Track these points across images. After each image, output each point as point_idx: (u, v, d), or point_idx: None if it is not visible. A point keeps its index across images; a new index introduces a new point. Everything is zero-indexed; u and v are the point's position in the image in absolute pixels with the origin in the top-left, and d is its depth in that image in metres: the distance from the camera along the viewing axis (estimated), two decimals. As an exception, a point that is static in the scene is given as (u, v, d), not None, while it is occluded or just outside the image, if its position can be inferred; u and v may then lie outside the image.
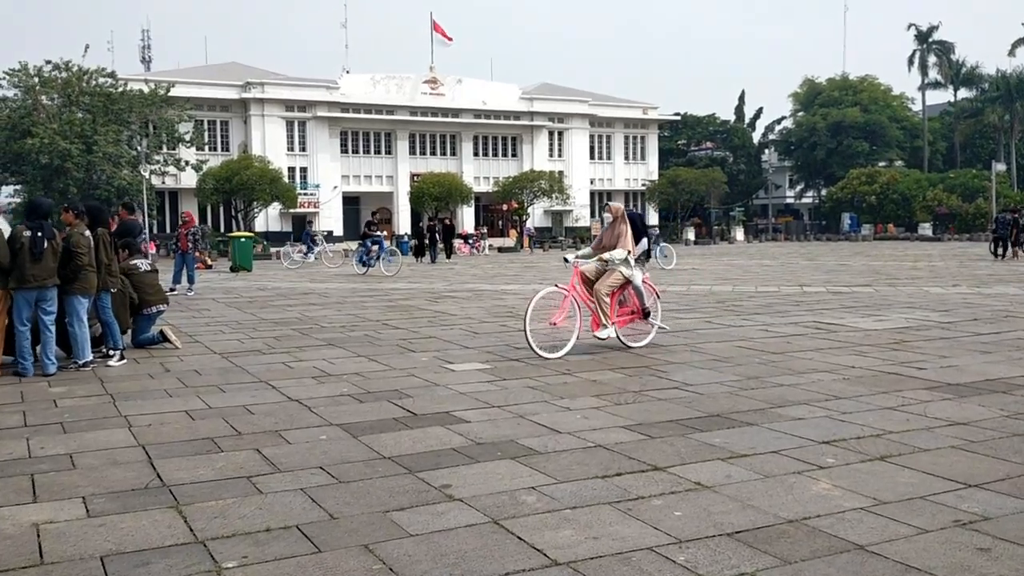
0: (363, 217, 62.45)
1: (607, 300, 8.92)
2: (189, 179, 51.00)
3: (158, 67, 67.64)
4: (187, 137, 50.73)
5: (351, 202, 60.95)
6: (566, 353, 8.42)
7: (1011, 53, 66.86)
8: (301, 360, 8.43)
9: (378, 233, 24.97)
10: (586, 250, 9.71)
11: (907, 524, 3.86)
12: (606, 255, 9.04)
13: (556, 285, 9.15)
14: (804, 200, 79.61)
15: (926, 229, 56.68)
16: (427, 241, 33.26)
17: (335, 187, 59.25)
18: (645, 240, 9.39)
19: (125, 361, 8.40)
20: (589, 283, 9.09)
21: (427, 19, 61.75)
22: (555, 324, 8.64)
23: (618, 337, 9.00)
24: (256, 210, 50.93)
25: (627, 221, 9.24)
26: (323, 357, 8.59)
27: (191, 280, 17.01)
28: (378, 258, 23.47)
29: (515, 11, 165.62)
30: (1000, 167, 57.20)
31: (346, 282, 20.37)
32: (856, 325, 10.87)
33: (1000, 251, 27.82)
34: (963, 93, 71.19)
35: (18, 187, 50.95)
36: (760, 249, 45.53)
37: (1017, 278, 18.80)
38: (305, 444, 5.29)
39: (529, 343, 8.43)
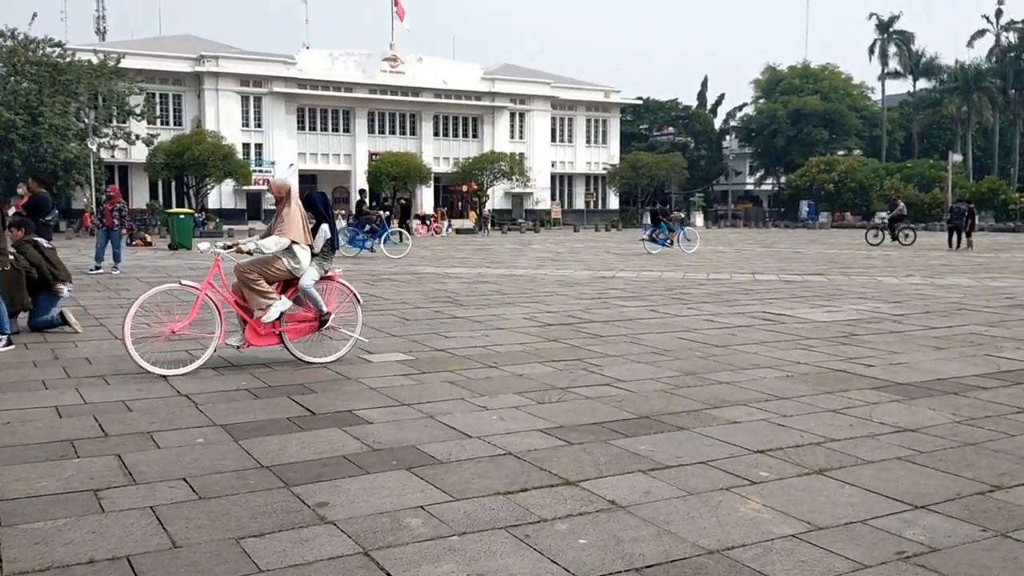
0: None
1: (260, 299, 6.96)
2: (140, 153, 49.52)
3: (113, 39, 65.63)
4: (138, 110, 49.23)
5: (308, 180, 59.70)
6: (195, 369, 6.72)
7: (970, 44, 67.59)
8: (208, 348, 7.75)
9: (382, 213, 23.35)
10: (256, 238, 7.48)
11: (844, 556, 3.34)
12: (251, 244, 7.15)
13: (181, 282, 7.23)
14: (764, 187, 79.81)
15: (882, 218, 56.95)
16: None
17: (291, 164, 57.97)
18: (326, 227, 7.47)
19: (12, 347, 7.68)
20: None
21: (387, -3, 60.46)
22: (175, 332, 6.92)
23: (288, 348, 7.15)
24: (208, 186, 49.64)
25: (298, 203, 7.28)
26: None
27: (116, 258, 16.08)
28: (382, 240, 21.93)
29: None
30: (957, 157, 57.64)
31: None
32: (805, 316, 10.44)
33: (955, 241, 27.86)
34: (922, 83, 71.76)
35: (-41, 158, 49.10)
36: (718, 235, 45.31)
37: (971, 268, 18.60)
38: (176, 449, 4.66)
39: (130, 354, 6.58)
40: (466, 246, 29.98)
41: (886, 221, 32.51)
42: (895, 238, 30.14)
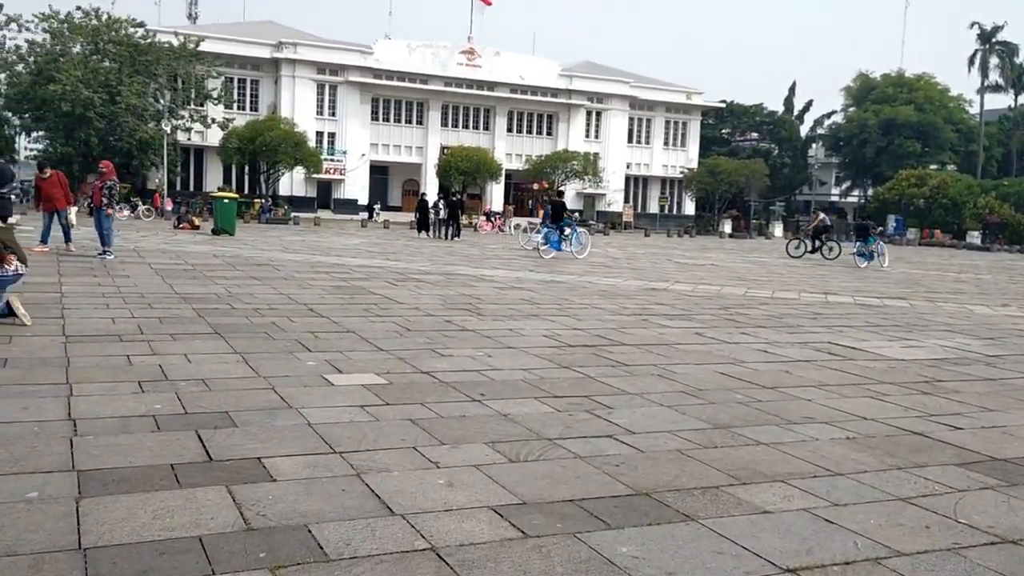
0: (391, 187, 60.97)
1: None
2: (215, 137, 49.66)
3: (204, 23, 66.19)
4: (215, 94, 49.35)
5: (379, 171, 59.31)
6: None
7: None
8: (154, 354, 6.61)
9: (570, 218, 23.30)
10: None
11: None
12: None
13: None
14: (849, 199, 76.47)
15: (975, 238, 53.61)
16: (441, 216, 31.42)
17: (363, 155, 57.60)
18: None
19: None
20: None
21: (468, -13, 59.53)
22: None
23: None
24: (279, 173, 49.43)
25: None
26: (186, 352, 6.76)
27: (105, 241, 14.45)
28: (568, 242, 21.94)
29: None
30: (1059, 177, 53.89)
31: (365, 257, 18.62)
32: (880, 352, 8.83)
33: None
34: (1025, 98, 67.61)
35: (41, 134, 49.91)
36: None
37: (1077, 301, 16.49)
38: (-13, 510, 3.46)
39: None
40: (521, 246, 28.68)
41: (808, 232, 30.59)
42: (817, 250, 28.07)
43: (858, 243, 25.51)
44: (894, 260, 30.37)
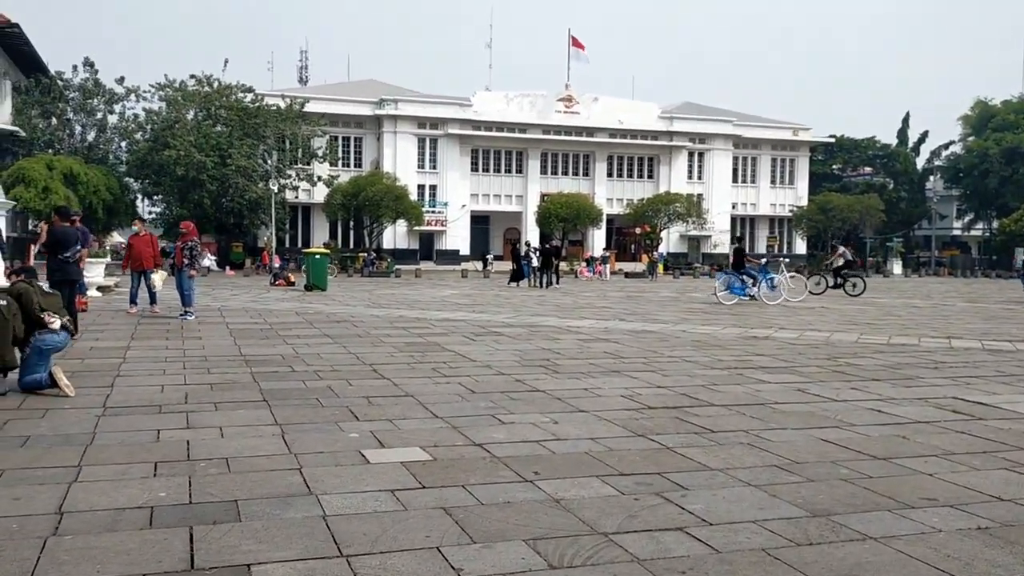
0: (492, 236, 61.00)
1: None
2: (321, 194, 50.87)
3: (314, 84, 68.55)
4: (320, 152, 50.66)
5: (479, 221, 59.53)
6: None
7: None
8: (188, 428, 6.12)
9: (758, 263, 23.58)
10: None
11: None
12: None
13: None
14: (973, 232, 72.35)
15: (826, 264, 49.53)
16: (533, 265, 30.91)
17: (463, 205, 57.98)
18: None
19: (-28, 415, 6.36)
20: None
21: (566, 36, 59.69)
22: None
23: None
24: (382, 226, 50.09)
25: None
26: (223, 424, 6.25)
27: (186, 301, 14.37)
28: (757, 288, 21.86)
29: (659, 28, 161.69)
30: None
31: (450, 309, 18.20)
32: (1015, 408, 7.61)
33: None
34: None
35: (158, 198, 52.17)
36: (916, 285, 40.63)
37: None
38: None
39: None
40: (619, 293, 27.79)
41: (829, 267, 28.85)
42: (838, 286, 26.92)
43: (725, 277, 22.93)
44: (1027, 296, 28.04)
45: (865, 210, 57.28)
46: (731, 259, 22.86)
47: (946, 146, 71.42)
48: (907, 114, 75.27)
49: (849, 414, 7.22)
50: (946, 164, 70.15)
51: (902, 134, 73.71)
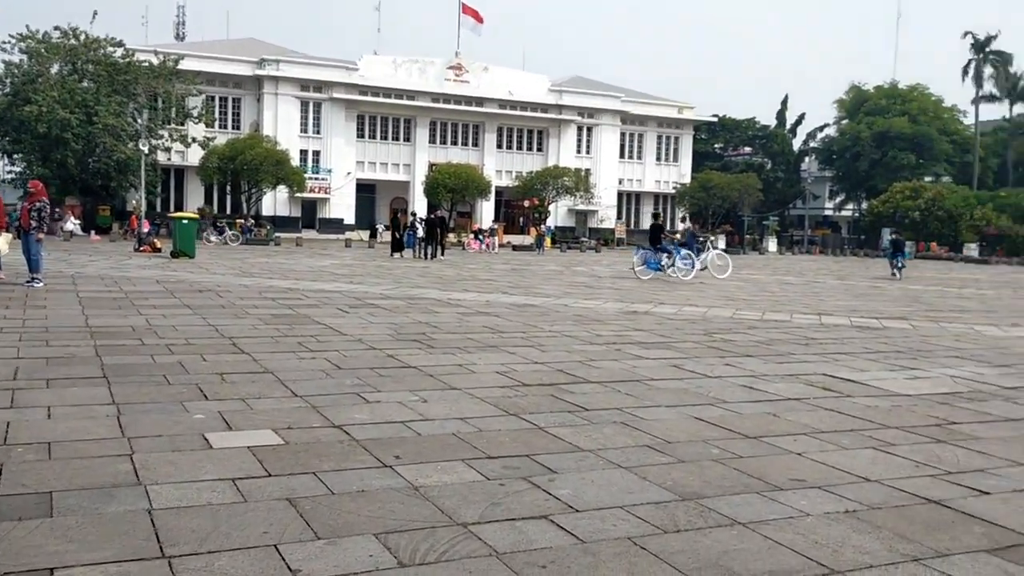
0: (379, 205, 59.87)
1: None
2: (196, 157, 48.61)
3: (191, 41, 65.34)
4: (195, 113, 48.41)
5: (365, 189, 58.31)
6: None
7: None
8: (12, 407, 5.50)
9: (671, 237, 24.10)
10: None
11: None
12: None
13: None
14: (844, 212, 75.60)
15: (972, 250, 52.74)
16: (419, 235, 30.39)
17: (348, 173, 56.63)
18: None
19: None
20: None
21: (457, 3, 58.75)
22: None
23: None
24: (262, 192, 48.37)
25: None
26: (54, 403, 5.65)
27: (33, 267, 13.30)
28: (672, 263, 22.14)
29: (551, 1, 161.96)
30: (1057, 188, 53.05)
31: (327, 280, 17.49)
32: (882, 385, 7.72)
33: None
34: (1020, 108, 66.83)
35: (17, 156, 48.87)
36: (790, 263, 42.08)
37: (1090, 318, 15.42)
38: None
39: None
40: (505, 265, 27.64)
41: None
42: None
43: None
44: (889, 274, 29.35)
45: (744, 189, 58.92)
46: (649, 235, 23.21)
47: (821, 128, 74.24)
48: (786, 96, 77.77)
49: (722, 391, 7.16)
50: (821, 146, 72.89)
51: (781, 116, 76.08)
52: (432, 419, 5.74)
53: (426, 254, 29.61)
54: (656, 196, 65.92)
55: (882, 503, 4.40)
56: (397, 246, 30.71)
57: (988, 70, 64.68)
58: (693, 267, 22.36)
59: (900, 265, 28.44)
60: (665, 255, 22.11)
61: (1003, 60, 64.46)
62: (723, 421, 6.07)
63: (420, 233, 30.28)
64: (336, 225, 54.88)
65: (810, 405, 6.74)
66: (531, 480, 4.51)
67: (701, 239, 25.25)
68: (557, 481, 4.52)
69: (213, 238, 38.19)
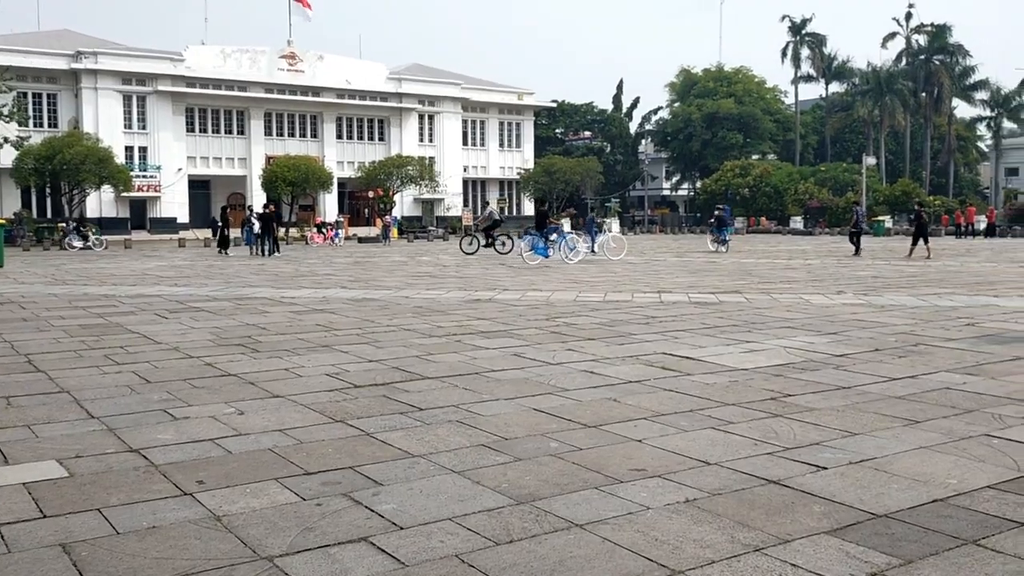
0: (215, 202, 57.17)
1: None
2: (10, 158, 44.81)
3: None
4: (6, 111, 44.63)
5: (199, 186, 55.61)
6: None
7: (883, 46, 67.29)
8: None
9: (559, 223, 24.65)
10: None
11: None
12: None
13: None
14: (680, 192, 78.48)
15: (797, 222, 55.78)
16: (254, 231, 29.08)
17: (179, 169, 53.84)
18: None
19: None
20: None
21: (286, -9, 56.70)
22: None
23: None
24: (84, 193, 45.19)
25: None
26: None
27: None
28: (559, 247, 22.73)
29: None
30: (870, 161, 56.83)
31: (149, 284, 16.19)
32: (719, 361, 7.72)
33: (860, 248, 27.15)
34: (835, 87, 71.27)
35: None
36: (632, 242, 43.06)
37: (907, 282, 16.36)
38: None
39: None
40: (347, 258, 26.85)
41: (479, 227, 30.47)
42: (489, 245, 27.89)
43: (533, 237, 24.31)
44: (724, 250, 30.47)
45: (586, 172, 60.03)
46: (535, 219, 23.49)
47: (655, 111, 76.67)
48: (621, 81, 79.87)
49: (563, 378, 6.94)
50: (655, 129, 75.27)
51: (617, 100, 78.05)
52: (247, 433, 5.20)
53: (263, 251, 28.37)
54: (501, 182, 66.22)
55: (722, 488, 4.24)
56: (223, 242, 29.13)
57: (805, 51, 68.51)
58: (589, 249, 23.27)
59: (725, 239, 29.96)
60: (551, 238, 22.58)
61: (818, 42, 68.40)
62: (563, 411, 5.82)
63: (256, 229, 28.97)
64: (169, 225, 52.11)
65: (650, 387, 6.61)
66: (352, 496, 4.08)
67: (598, 222, 26.29)
68: (382, 495, 4.11)
69: (76, 243, 36.48)
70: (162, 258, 27.47)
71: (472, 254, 27.24)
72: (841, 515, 3.86)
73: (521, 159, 66.27)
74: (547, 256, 22.42)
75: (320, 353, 8.08)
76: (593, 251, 25.57)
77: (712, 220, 32.46)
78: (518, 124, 67.48)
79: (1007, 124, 68.14)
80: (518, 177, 64.32)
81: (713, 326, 10.06)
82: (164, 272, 20.02)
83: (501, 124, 66.74)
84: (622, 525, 3.73)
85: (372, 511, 3.88)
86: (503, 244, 27.50)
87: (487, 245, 27.96)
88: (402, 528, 3.68)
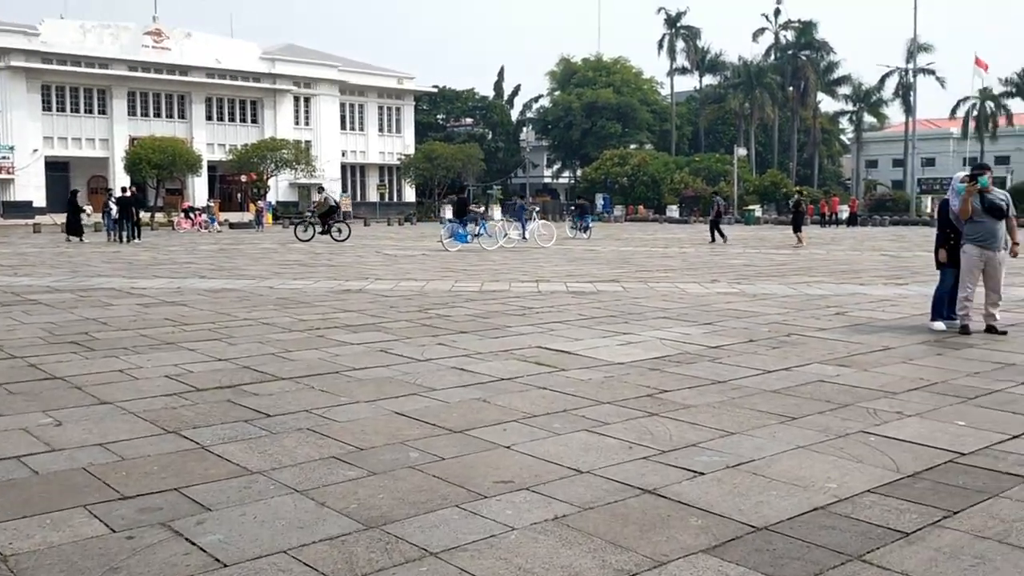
0: (73, 184, 53.74)
1: None
2: None
3: None
4: None
5: (57, 168, 52.24)
6: None
7: (754, 40, 69.45)
8: None
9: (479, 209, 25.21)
10: None
11: None
12: None
13: None
14: (561, 180, 79.03)
15: (674, 211, 56.94)
16: (112, 216, 27.29)
17: (35, 150, 50.45)
18: None
19: None
20: None
21: (150, -39, 53.80)
22: None
23: None
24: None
25: None
26: None
27: None
28: (477, 234, 22.99)
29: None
30: (741, 152, 58.63)
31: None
32: (595, 354, 7.43)
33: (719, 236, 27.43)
34: (708, 80, 73.06)
35: None
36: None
37: (777, 270, 16.63)
38: None
39: None
40: (213, 245, 25.57)
41: (316, 213, 30.41)
42: (326, 232, 27.75)
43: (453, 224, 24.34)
44: (603, 238, 30.64)
45: (467, 159, 59.57)
46: (454, 207, 23.87)
47: (536, 99, 76.86)
48: (502, 68, 79.90)
49: (431, 376, 6.49)
50: (536, 116, 75.46)
51: (498, 87, 77.87)
52: (61, 449, 4.52)
53: (120, 237, 26.70)
54: (381, 167, 65.03)
55: (594, 501, 3.88)
56: (72, 228, 27.11)
57: (680, 44, 69.86)
58: (521, 236, 24.02)
59: (587, 226, 30.70)
60: (472, 225, 22.88)
61: (692, 35, 69.91)
62: (428, 414, 5.37)
63: (114, 214, 27.22)
64: (23, 209, 48.77)
65: (523, 384, 6.23)
66: (172, 526, 3.51)
67: (528, 210, 26.85)
68: (208, 523, 3.55)
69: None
70: (10, 244, 25.47)
71: (307, 241, 26.86)
72: (719, 529, 3.55)
73: (401, 144, 65.23)
74: (467, 242, 22.60)
75: (163, 352, 7.34)
76: (524, 238, 25.77)
77: (574, 208, 33.66)
78: (398, 109, 66.38)
79: (867, 118, 71.47)
80: (398, 163, 63.29)
81: (590, 317, 9.80)
82: (7, 260, 18.45)
83: (381, 108, 65.48)
84: (483, 551, 3.31)
85: (193, 544, 3.33)
86: (339, 231, 27.36)
87: (323, 232, 27.61)
88: (225, 565, 3.15)
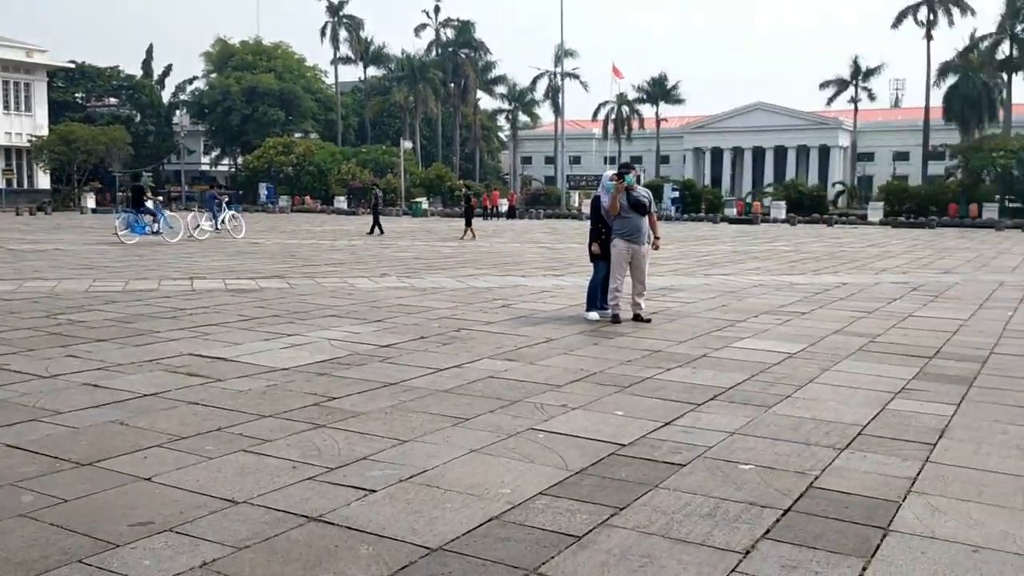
0: None
1: None
2: None
3: None
4: None
5: None
6: None
7: (417, 35, 70.85)
8: None
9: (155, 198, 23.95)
10: None
11: None
12: None
13: None
14: (220, 167, 75.06)
15: (342, 202, 56.41)
16: None
17: None
18: None
19: None
20: None
21: None
22: None
23: None
24: None
25: None
26: None
27: None
28: (156, 230, 21.61)
29: None
30: (407, 144, 59.49)
31: None
32: (256, 360, 6.84)
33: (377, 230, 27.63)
34: (373, 71, 73.34)
35: None
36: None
37: (445, 263, 16.86)
38: None
39: None
40: None
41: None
42: None
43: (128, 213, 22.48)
44: (267, 230, 29.43)
45: (112, 142, 54.53)
46: (130, 196, 22.41)
47: (191, 81, 72.22)
48: (151, 46, 73.90)
49: (56, 396, 5.53)
50: (191, 99, 70.94)
51: (147, 66, 72.13)
52: None
53: None
54: (8, 149, 57.33)
55: (251, 537, 3.40)
56: None
57: (343, 33, 69.32)
58: (213, 227, 23.55)
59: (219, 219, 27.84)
60: (149, 216, 21.68)
61: (355, 25, 69.69)
62: (49, 445, 4.51)
63: None
64: None
65: (171, 400, 5.51)
66: None
67: (218, 201, 25.60)
68: None
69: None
70: None
71: None
72: (392, 555, 3.26)
73: (32, 125, 57.97)
74: (144, 234, 21.46)
75: None
76: (217, 229, 24.70)
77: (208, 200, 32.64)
78: (27, 85, 58.91)
79: (522, 117, 75.88)
80: (29, 145, 56.20)
81: (252, 318, 9.11)
82: None
83: (6, 84, 57.71)
84: (109, 621, 2.71)
85: None
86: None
87: None
88: None
